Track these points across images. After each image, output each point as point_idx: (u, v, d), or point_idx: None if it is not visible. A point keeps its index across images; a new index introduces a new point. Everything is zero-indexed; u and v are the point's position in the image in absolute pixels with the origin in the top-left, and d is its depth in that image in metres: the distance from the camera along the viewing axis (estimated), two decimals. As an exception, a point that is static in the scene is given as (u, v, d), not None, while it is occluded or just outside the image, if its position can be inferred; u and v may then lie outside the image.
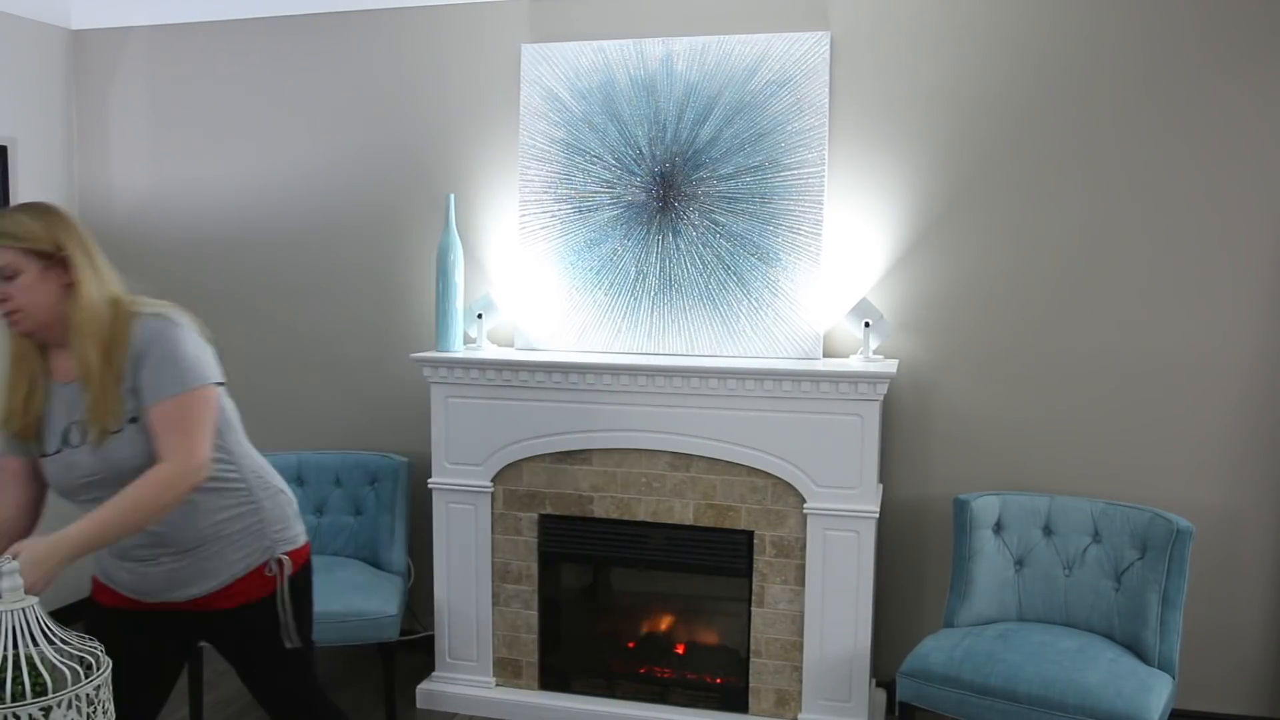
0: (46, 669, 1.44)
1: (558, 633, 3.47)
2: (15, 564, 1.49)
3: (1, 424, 2.00)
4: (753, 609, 3.19)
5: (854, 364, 3.12)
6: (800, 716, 3.16)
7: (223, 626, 2.15)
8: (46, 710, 1.43)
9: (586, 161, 3.44)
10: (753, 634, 3.20)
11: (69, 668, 1.47)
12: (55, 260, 1.92)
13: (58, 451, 1.98)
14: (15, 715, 1.42)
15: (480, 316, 3.48)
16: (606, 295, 3.42)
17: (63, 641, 1.51)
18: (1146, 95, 3.09)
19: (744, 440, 3.12)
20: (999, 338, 3.26)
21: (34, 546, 1.76)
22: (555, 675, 3.41)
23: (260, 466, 2.17)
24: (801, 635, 3.14)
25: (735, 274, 3.32)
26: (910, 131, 3.26)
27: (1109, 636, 2.88)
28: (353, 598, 3.20)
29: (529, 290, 3.49)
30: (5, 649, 1.44)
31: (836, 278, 3.32)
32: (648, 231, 3.40)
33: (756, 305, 3.30)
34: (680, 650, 3.42)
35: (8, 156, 3.85)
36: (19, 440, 2.01)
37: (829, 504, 3.07)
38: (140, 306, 2.03)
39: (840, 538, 3.08)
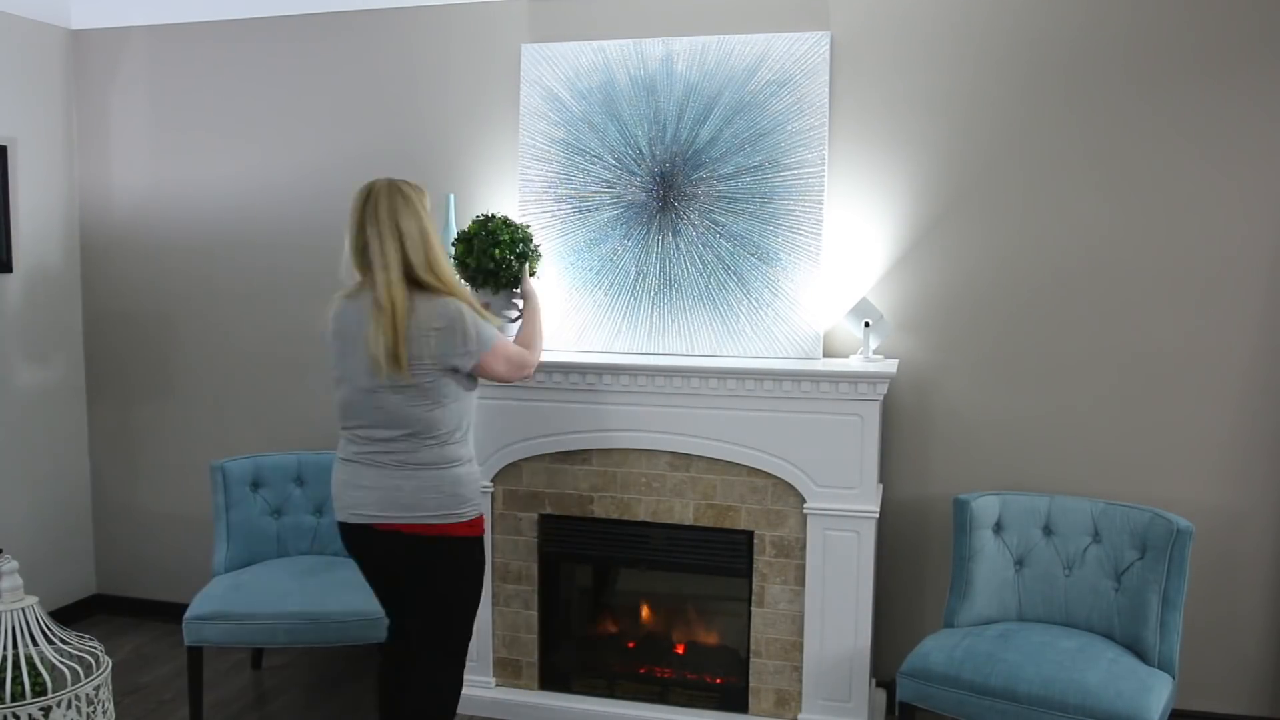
0: (46, 669, 1.44)
1: (558, 633, 3.47)
2: (15, 564, 1.49)
3: None
4: (753, 609, 3.20)
5: (854, 364, 3.12)
6: (800, 716, 3.16)
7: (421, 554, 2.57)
8: (46, 710, 1.43)
9: (586, 161, 3.44)
10: (753, 634, 3.20)
11: (69, 668, 1.47)
12: None
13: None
14: (15, 715, 1.42)
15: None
16: (606, 295, 3.43)
17: (63, 641, 1.51)
18: (1147, 95, 3.09)
19: (744, 440, 3.12)
20: (999, 338, 3.26)
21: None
22: (555, 675, 3.41)
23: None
24: (801, 635, 3.14)
25: (735, 274, 3.32)
26: (910, 131, 3.26)
27: (1109, 636, 2.88)
28: (353, 598, 3.20)
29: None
30: (5, 649, 1.44)
31: (836, 278, 3.32)
32: (648, 231, 3.40)
33: (756, 305, 3.30)
34: (680, 650, 3.42)
35: (8, 156, 3.85)
36: None
37: (829, 504, 3.07)
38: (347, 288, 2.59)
39: (840, 538, 3.08)
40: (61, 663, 1.42)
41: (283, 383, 3.97)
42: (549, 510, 3.33)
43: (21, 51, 3.91)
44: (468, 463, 2.55)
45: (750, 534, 3.18)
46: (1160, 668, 2.74)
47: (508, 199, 3.59)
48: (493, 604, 3.40)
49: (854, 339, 3.30)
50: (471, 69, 3.64)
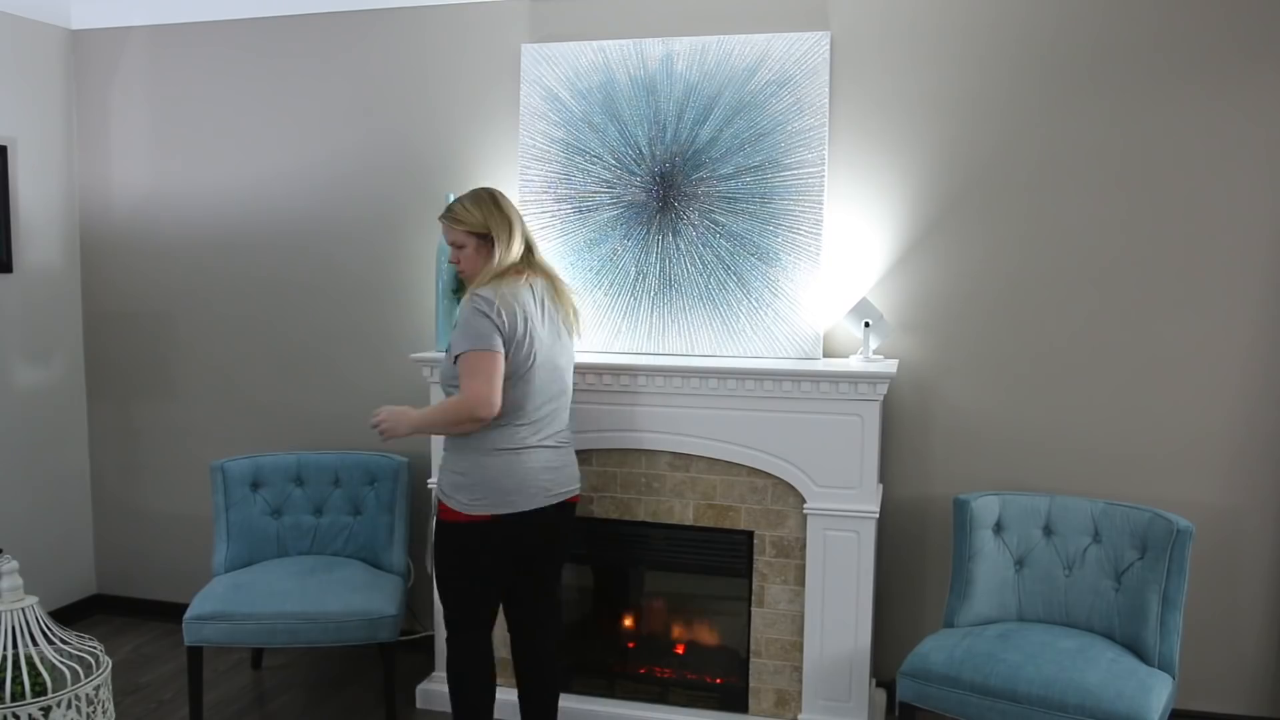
0: (46, 669, 1.44)
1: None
2: (15, 564, 1.49)
3: None
4: (753, 609, 3.19)
5: (854, 364, 3.12)
6: (800, 716, 3.16)
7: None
8: (46, 710, 1.43)
9: (586, 161, 3.44)
10: (753, 634, 3.20)
11: (69, 668, 1.47)
12: (486, 238, 2.67)
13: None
14: (15, 715, 1.42)
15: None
16: (606, 295, 3.42)
17: (63, 641, 1.51)
18: (1146, 95, 3.09)
19: (744, 440, 3.12)
20: (999, 338, 3.26)
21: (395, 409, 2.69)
22: (555, 675, 3.40)
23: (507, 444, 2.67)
24: (801, 635, 3.14)
25: (735, 274, 3.32)
26: (910, 132, 3.26)
27: (1109, 636, 2.88)
28: (353, 598, 3.20)
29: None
30: (5, 649, 1.44)
31: (836, 278, 3.32)
32: (648, 231, 3.40)
33: (756, 305, 3.30)
34: (680, 650, 3.42)
35: (8, 156, 3.85)
36: None
37: (829, 504, 3.07)
38: (496, 282, 2.63)
39: (840, 538, 3.08)
40: (61, 663, 1.42)
41: (283, 383, 3.97)
42: (549, 510, 3.33)
43: (21, 51, 3.91)
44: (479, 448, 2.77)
45: (750, 534, 3.18)
46: (1160, 668, 2.74)
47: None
48: (493, 604, 3.39)
49: (854, 339, 3.30)
50: (471, 69, 3.64)
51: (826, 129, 3.24)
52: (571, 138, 3.45)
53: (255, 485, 3.57)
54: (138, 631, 4.13)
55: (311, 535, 3.61)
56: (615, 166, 3.42)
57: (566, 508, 2.80)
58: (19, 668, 1.38)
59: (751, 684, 3.22)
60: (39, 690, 1.39)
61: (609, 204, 3.42)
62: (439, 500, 2.70)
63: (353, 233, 3.82)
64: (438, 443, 3.39)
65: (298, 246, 3.90)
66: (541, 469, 2.68)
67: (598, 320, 3.43)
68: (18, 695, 1.38)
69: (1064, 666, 2.64)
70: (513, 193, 3.57)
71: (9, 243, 3.87)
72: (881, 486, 3.26)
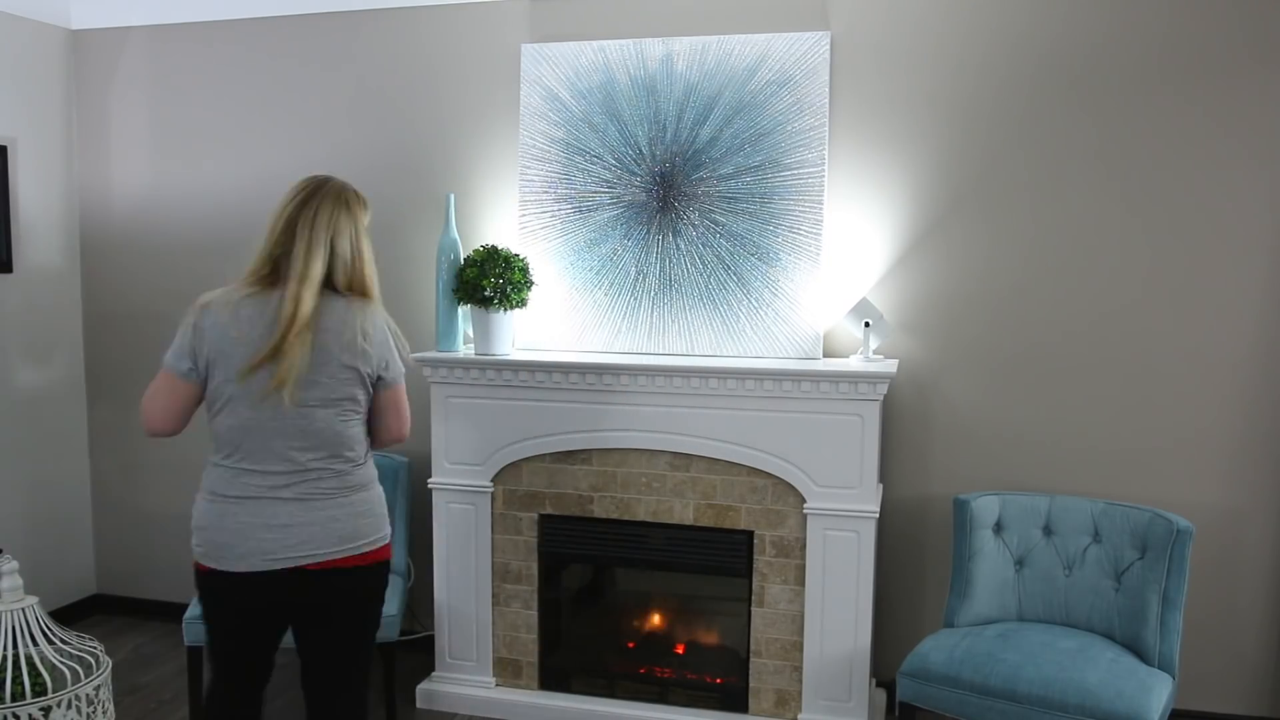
0: (46, 669, 1.44)
1: (558, 633, 3.47)
2: (15, 564, 1.49)
3: None
4: (753, 609, 3.20)
5: (854, 364, 3.12)
6: (800, 716, 3.16)
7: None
8: (46, 710, 1.43)
9: (586, 161, 3.44)
10: (753, 634, 3.20)
11: (69, 668, 1.47)
12: None
13: None
14: (15, 715, 1.42)
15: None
16: (606, 295, 3.42)
17: (63, 641, 1.51)
18: (1147, 95, 3.09)
19: (744, 440, 3.12)
20: (999, 338, 3.26)
21: None
22: (555, 675, 3.41)
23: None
24: (801, 635, 3.14)
25: (735, 274, 3.32)
26: (910, 132, 3.26)
27: (1109, 636, 2.88)
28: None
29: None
30: (5, 649, 1.44)
31: (836, 278, 3.32)
32: (648, 231, 3.40)
33: (756, 305, 3.30)
34: (680, 650, 3.42)
35: (8, 156, 3.85)
36: None
37: (829, 504, 3.07)
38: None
39: (840, 538, 3.08)
40: (61, 663, 1.42)
41: (283, 383, 3.97)
42: (549, 510, 3.33)
43: (21, 51, 3.91)
44: (377, 480, 2.34)
45: (750, 534, 3.18)
46: (1160, 668, 2.74)
47: (508, 199, 3.59)
48: (493, 604, 3.40)
49: (854, 339, 3.30)
50: (471, 69, 3.64)
51: (826, 129, 3.24)
52: (571, 138, 3.45)
53: (255, 485, 3.56)
54: (138, 631, 4.13)
55: (311, 535, 3.60)
56: (615, 166, 3.42)
57: (345, 573, 2.20)
58: (19, 668, 1.38)
59: (751, 684, 3.22)
60: (39, 690, 1.39)
61: (609, 204, 3.42)
62: (378, 549, 2.31)
63: (353, 233, 3.82)
64: (439, 442, 3.39)
65: (298, 246, 3.90)
66: (239, 528, 2.16)
67: (598, 320, 3.43)
68: (18, 695, 1.38)
69: (1064, 666, 2.64)
70: (512, 193, 3.57)
71: (9, 243, 3.87)
72: (881, 486, 3.26)
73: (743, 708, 3.24)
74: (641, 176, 3.40)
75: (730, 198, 3.32)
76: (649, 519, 3.25)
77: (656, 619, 3.49)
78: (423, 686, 3.46)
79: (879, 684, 3.39)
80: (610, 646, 3.48)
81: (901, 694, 2.81)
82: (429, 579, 3.49)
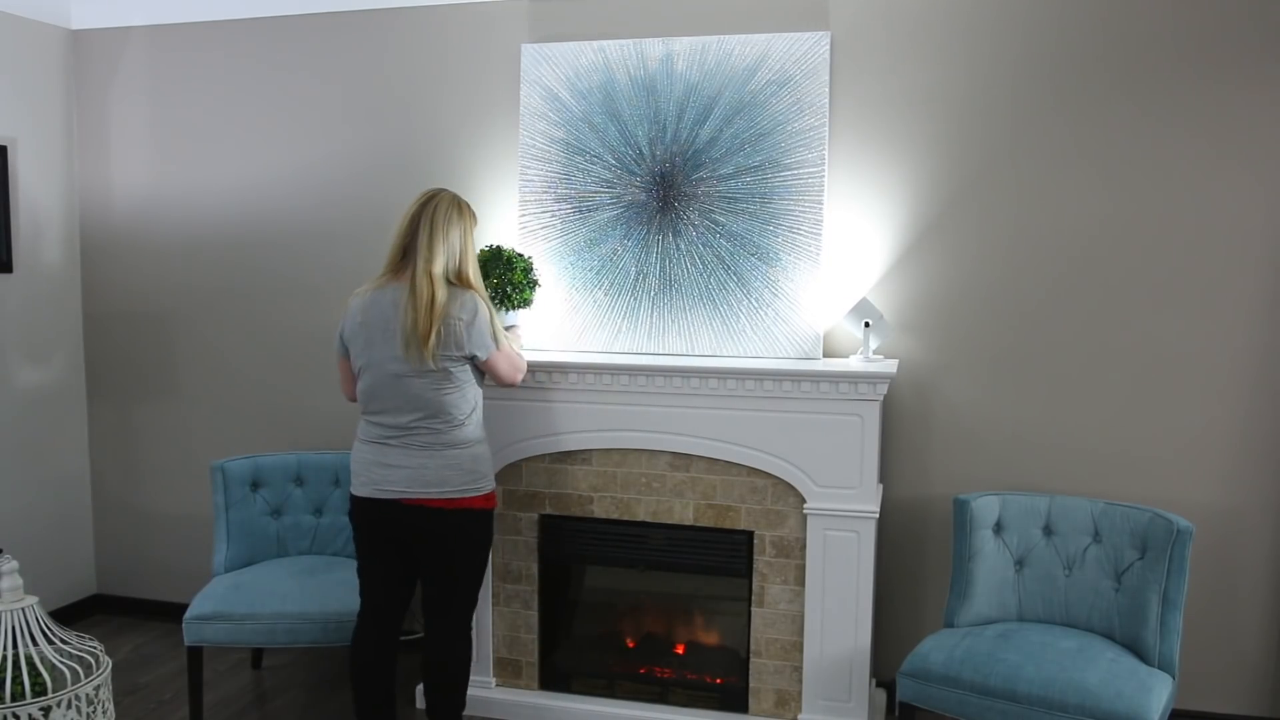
0: (46, 669, 1.44)
1: (558, 633, 3.47)
2: (15, 564, 1.49)
3: None
4: (753, 609, 3.20)
5: (854, 364, 3.12)
6: (800, 716, 3.16)
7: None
8: (46, 710, 1.43)
9: (586, 161, 3.44)
10: (753, 634, 3.20)
11: (69, 668, 1.47)
12: None
13: None
14: (15, 715, 1.42)
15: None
16: (606, 295, 3.43)
17: (63, 641, 1.51)
18: (1147, 94, 3.09)
19: (744, 440, 3.12)
20: (999, 338, 3.26)
21: None
22: (555, 675, 3.41)
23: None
24: (801, 635, 3.14)
25: (735, 274, 3.32)
26: (910, 131, 3.26)
27: (1109, 636, 2.88)
28: (353, 598, 3.20)
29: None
30: (5, 649, 1.44)
31: (836, 278, 3.32)
32: (648, 231, 3.40)
33: (756, 305, 3.30)
34: (680, 650, 3.42)
35: (8, 156, 3.85)
36: None
37: (829, 504, 3.07)
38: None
39: (840, 538, 3.08)
40: (61, 663, 1.42)
41: (283, 383, 3.97)
42: (549, 510, 3.33)
43: (21, 51, 3.91)
44: (481, 442, 2.83)
45: (750, 534, 3.18)
46: (1160, 668, 2.74)
47: (508, 199, 3.60)
48: (493, 604, 3.40)
49: (854, 339, 3.30)
50: (471, 69, 3.64)
51: (826, 129, 3.24)
52: (571, 137, 3.45)
53: (255, 485, 3.57)
54: (138, 631, 4.13)
55: (311, 535, 3.61)
56: (615, 166, 3.42)
57: (432, 512, 2.76)
58: (19, 668, 1.38)
59: (751, 684, 3.22)
60: (39, 690, 1.39)
61: (609, 204, 3.42)
62: (461, 498, 2.80)
63: (353, 232, 3.82)
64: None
65: (298, 246, 3.90)
66: (366, 462, 2.79)
67: (598, 320, 3.43)
68: (18, 695, 1.38)
69: (1064, 666, 2.64)
70: (512, 192, 3.57)
71: (9, 243, 3.87)
72: (881, 486, 3.26)
73: (743, 708, 3.24)
74: (641, 176, 3.40)
75: (730, 198, 3.32)
76: (649, 519, 3.25)
77: (657, 619, 3.49)
78: (423, 686, 3.46)
79: (879, 684, 3.39)
80: (610, 646, 3.48)
81: (901, 694, 2.81)
82: (429, 579, 3.48)
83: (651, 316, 3.39)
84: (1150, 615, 2.80)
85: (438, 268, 2.68)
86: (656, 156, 3.38)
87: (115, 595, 4.31)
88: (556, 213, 3.47)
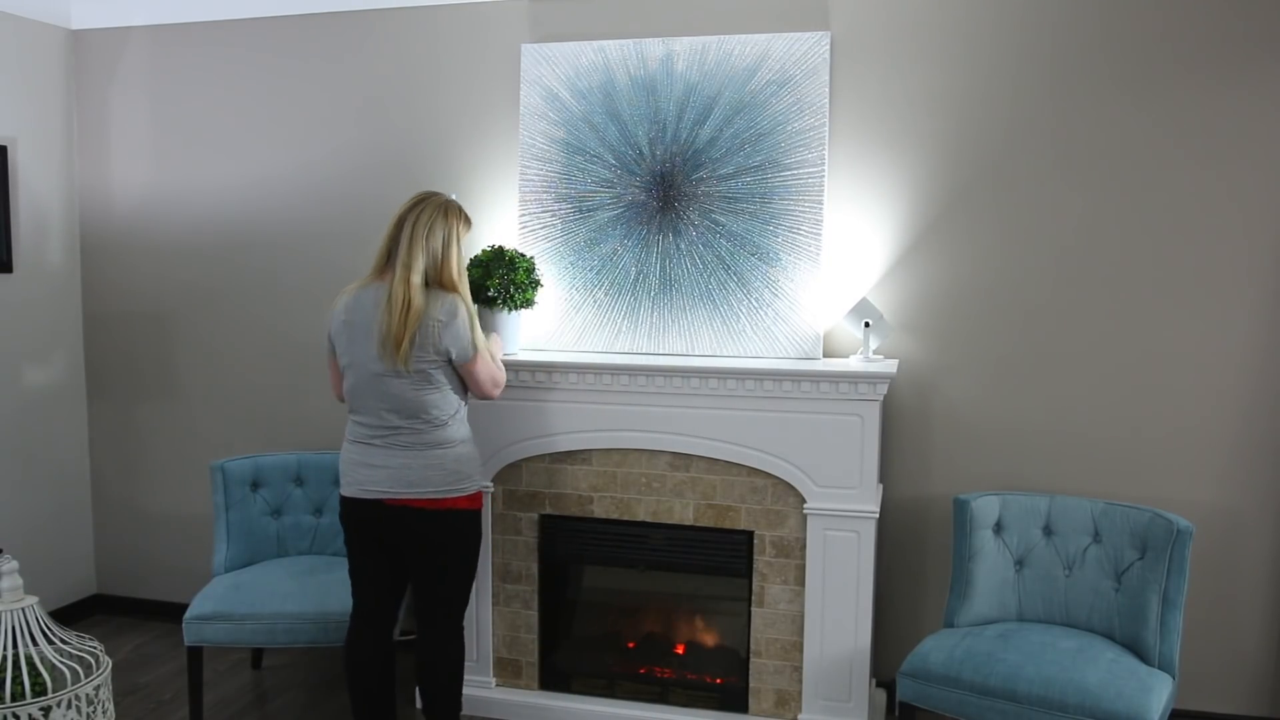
0: (46, 669, 1.44)
1: (558, 633, 3.47)
2: (15, 564, 1.49)
3: None
4: (753, 609, 3.20)
5: (854, 364, 3.12)
6: (800, 716, 3.16)
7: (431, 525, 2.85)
8: (46, 710, 1.43)
9: (586, 161, 3.44)
10: (753, 634, 3.20)
11: (69, 668, 1.47)
12: None
13: None
14: (15, 715, 1.42)
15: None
16: (606, 295, 3.42)
17: (63, 641, 1.51)
18: (1147, 96, 3.09)
19: (744, 440, 3.12)
20: (999, 338, 3.26)
21: None
22: (555, 675, 3.41)
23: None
24: (801, 635, 3.14)
25: (735, 274, 3.32)
26: (910, 132, 3.26)
27: (1109, 636, 2.88)
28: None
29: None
30: (5, 649, 1.44)
31: (836, 278, 3.32)
32: (648, 231, 3.40)
33: (756, 305, 3.30)
34: (680, 650, 3.42)
35: (8, 156, 3.85)
36: None
37: (829, 504, 3.07)
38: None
39: (840, 538, 3.08)
40: (61, 663, 1.42)
41: (283, 383, 3.97)
42: (549, 510, 3.33)
43: (21, 51, 3.91)
44: (465, 442, 2.82)
45: (750, 534, 3.18)
46: (1160, 668, 2.74)
47: (508, 199, 3.60)
48: (493, 604, 3.40)
49: (854, 339, 3.30)
50: (471, 69, 3.64)
51: (826, 129, 3.24)
52: (571, 137, 3.45)
53: (255, 485, 3.57)
54: (138, 631, 4.13)
55: (311, 535, 3.61)
56: (615, 166, 3.42)
57: (416, 512, 2.75)
58: (19, 668, 1.37)
59: (751, 684, 3.22)
60: (39, 690, 1.39)
61: (609, 204, 3.42)
62: (445, 498, 2.78)
63: (353, 232, 3.82)
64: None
65: (298, 246, 3.90)
66: (351, 462, 2.79)
67: (598, 320, 3.43)
68: (18, 695, 1.38)
69: (1064, 666, 2.64)
70: (512, 192, 3.57)
71: (9, 243, 3.87)
72: (881, 486, 3.26)
73: (743, 708, 3.24)
74: (641, 176, 3.40)
75: (730, 198, 3.32)
76: (649, 519, 3.25)
77: (656, 619, 3.49)
78: (418, 689, 3.46)
79: (879, 684, 3.39)
80: (610, 646, 3.48)
81: (901, 694, 2.81)
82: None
83: (651, 316, 3.39)
84: (1150, 615, 2.80)
85: (416, 274, 2.66)
86: (656, 156, 3.38)
87: (115, 595, 4.31)
88: (556, 212, 3.47)
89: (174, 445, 4.16)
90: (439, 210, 2.75)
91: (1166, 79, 3.07)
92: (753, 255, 3.30)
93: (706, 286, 3.34)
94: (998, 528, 3.06)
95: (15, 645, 1.40)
